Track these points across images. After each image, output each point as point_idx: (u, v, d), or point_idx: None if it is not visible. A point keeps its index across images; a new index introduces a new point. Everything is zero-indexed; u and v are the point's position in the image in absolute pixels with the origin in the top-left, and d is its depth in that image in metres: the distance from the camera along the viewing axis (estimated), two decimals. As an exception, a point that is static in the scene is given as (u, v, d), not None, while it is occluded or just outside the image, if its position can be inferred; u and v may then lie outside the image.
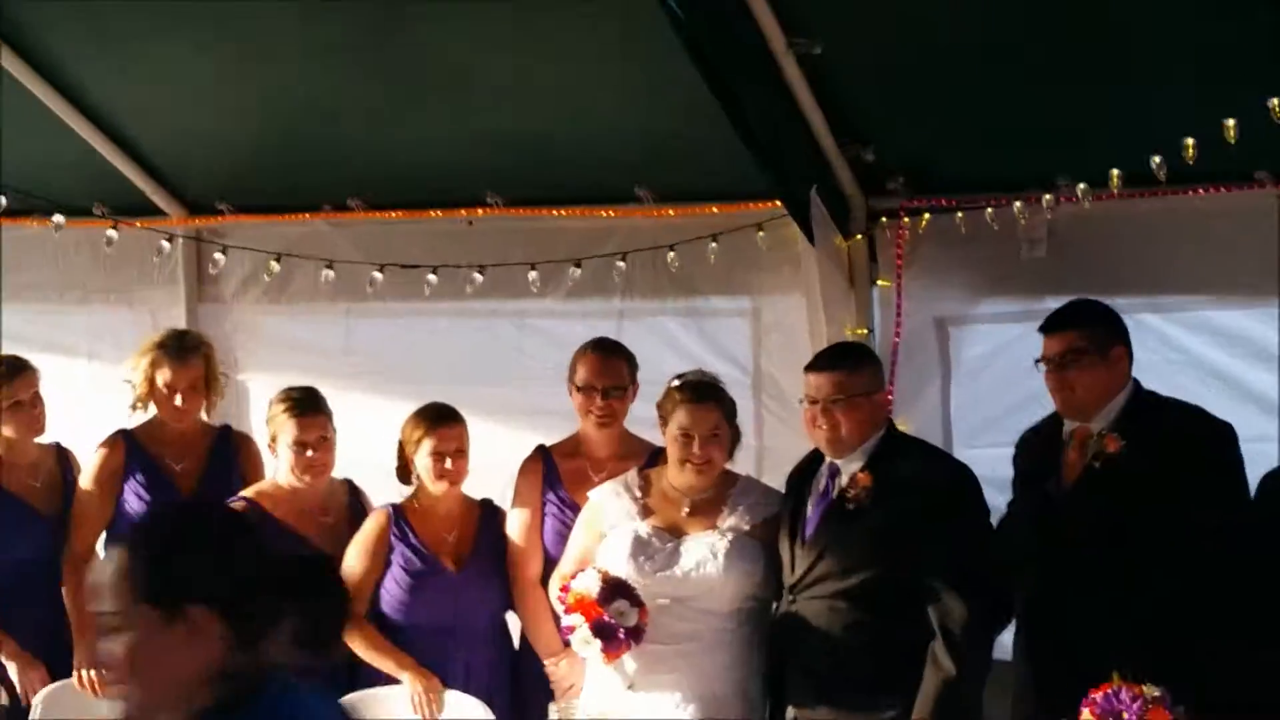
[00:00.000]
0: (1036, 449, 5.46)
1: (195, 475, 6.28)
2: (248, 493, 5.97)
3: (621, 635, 5.25)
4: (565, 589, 5.39)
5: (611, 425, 5.91)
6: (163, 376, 6.20)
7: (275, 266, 7.26)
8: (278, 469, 6.02)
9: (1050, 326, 5.37)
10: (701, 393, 5.46)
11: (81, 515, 6.22)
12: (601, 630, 5.25)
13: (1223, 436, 5.17)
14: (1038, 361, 5.32)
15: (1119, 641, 4.92)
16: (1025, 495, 5.42)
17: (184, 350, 6.24)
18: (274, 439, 5.96)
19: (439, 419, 5.82)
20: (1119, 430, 5.17)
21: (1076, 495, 5.23)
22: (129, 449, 6.26)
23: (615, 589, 5.30)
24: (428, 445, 5.77)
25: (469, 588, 5.83)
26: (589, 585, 5.31)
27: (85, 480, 6.27)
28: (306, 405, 5.93)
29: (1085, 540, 5.13)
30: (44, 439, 6.38)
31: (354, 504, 6.07)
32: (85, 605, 5.80)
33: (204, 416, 6.41)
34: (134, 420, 6.35)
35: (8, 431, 6.23)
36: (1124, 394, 5.25)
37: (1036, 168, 6.16)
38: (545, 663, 5.81)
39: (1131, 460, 5.12)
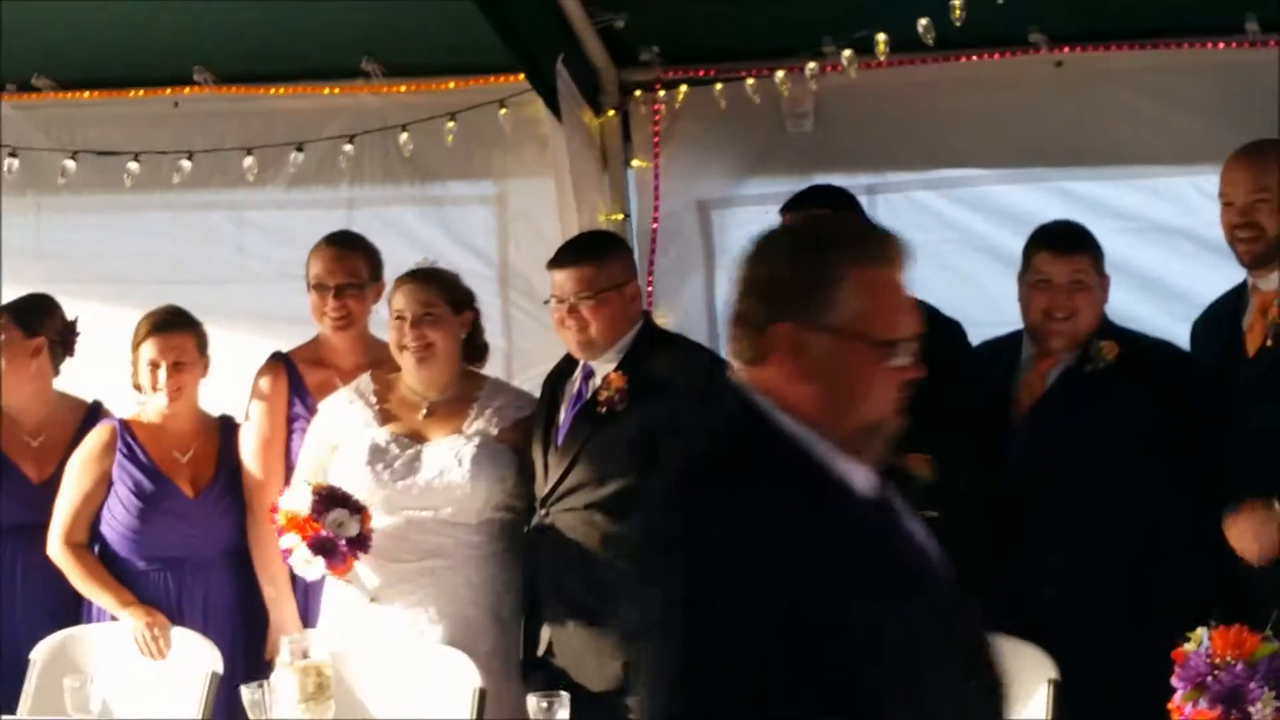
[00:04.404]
0: None
1: None
2: None
3: (344, 547, 5.27)
4: (274, 509, 5.38)
5: (349, 328, 5.88)
6: None
7: (-54, 156, 6.91)
8: None
9: (797, 205, 5.44)
10: (416, 272, 5.52)
11: None
12: (321, 546, 5.27)
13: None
14: None
15: None
16: None
17: None
18: None
19: (158, 325, 5.77)
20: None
21: None
22: None
23: (329, 499, 5.30)
24: (144, 354, 5.74)
25: (206, 515, 5.81)
26: (298, 502, 5.30)
27: None
28: None
29: None
30: None
31: (90, 426, 5.95)
32: None
33: None
34: None
35: None
36: None
37: (801, 34, 6.20)
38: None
39: None
